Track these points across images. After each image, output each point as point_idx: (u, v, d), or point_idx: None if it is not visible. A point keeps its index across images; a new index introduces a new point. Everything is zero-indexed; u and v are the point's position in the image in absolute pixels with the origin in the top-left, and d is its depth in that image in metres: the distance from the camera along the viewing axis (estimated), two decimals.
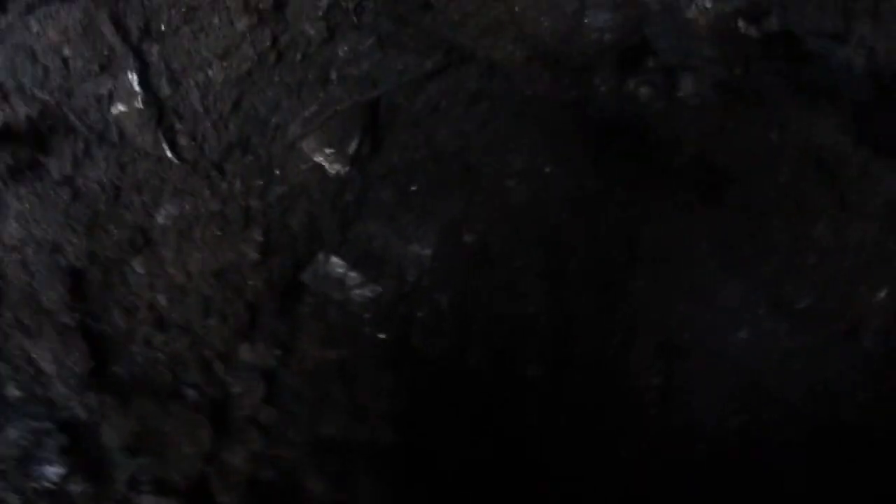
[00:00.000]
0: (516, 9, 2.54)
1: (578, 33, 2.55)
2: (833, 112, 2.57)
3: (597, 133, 2.79)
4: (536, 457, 2.84)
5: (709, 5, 2.30)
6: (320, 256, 3.12)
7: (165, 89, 2.58)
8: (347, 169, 3.01)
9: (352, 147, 2.97)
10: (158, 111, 2.59)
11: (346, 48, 2.78)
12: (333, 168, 2.98)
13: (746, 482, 2.69)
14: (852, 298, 2.57)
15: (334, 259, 3.13)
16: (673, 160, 2.74)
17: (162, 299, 2.84)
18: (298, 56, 2.75)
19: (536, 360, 2.89)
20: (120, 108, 2.52)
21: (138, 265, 2.78)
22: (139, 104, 2.50)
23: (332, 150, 2.94)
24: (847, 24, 2.11)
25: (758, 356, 2.66)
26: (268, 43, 2.65)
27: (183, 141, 2.70)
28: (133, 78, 2.45)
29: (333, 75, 2.83)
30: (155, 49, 2.52)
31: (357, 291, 3.15)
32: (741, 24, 2.32)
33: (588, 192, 2.85)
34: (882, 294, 2.55)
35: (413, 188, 3.08)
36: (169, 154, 2.66)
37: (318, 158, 2.97)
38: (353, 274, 3.13)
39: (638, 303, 2.83)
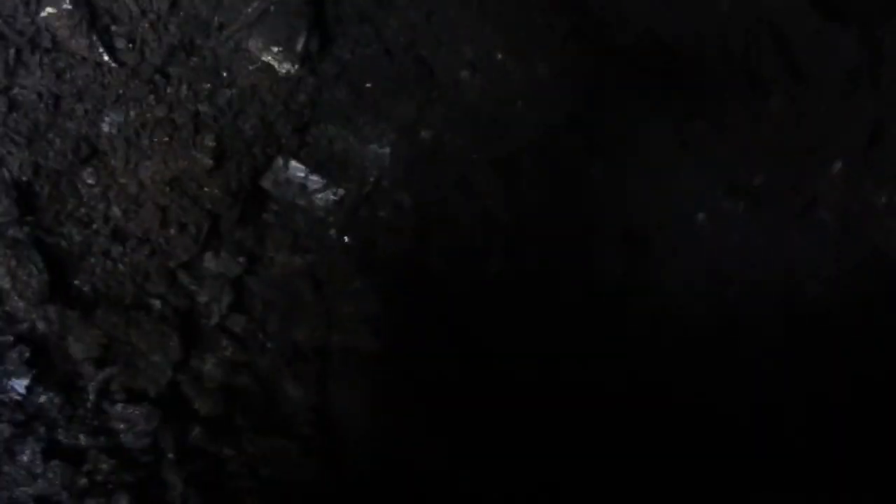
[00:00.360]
0: None
1: None
2: None
3: (542, 16, 2.69)
4: (501, 352, 2.85)
5: None
6: (279, 161, 3.07)
7: None
8: (298, 67, 2.92)
9: (300, 44, 2.88)
10: (90, 13, 2.50)
11: None
12: (283, 67, 2.90)
13: (714, 364, 2.69)
14: (808, 173, 2.50)
15: (294, 163, 3.08)
16: (621, 39, 2.63)
17: (117, 210, 2.81)
18: None
19: (497, 255, 2.86)
20: (48, 9, 2.43)
21: (88, 176, 2.73)
22: (68, 5, 2.41)
23: (279, 49, 2.86)
24: None
25: (718, 238, 2.62)
26: None
27: (120, 44, 2.62)
28: None
29: None
30: None
31: (320, 195, 3.12)
32: None
33: (541, 78, 2.76)
34: (838, 166, 2.48)
35: (368, 86, 2.99)
36: (107, 58, 2.58)
37: (267, 58, 2.89)
38: (314, 178, 3.09)
39: (596, 191, 2.78)
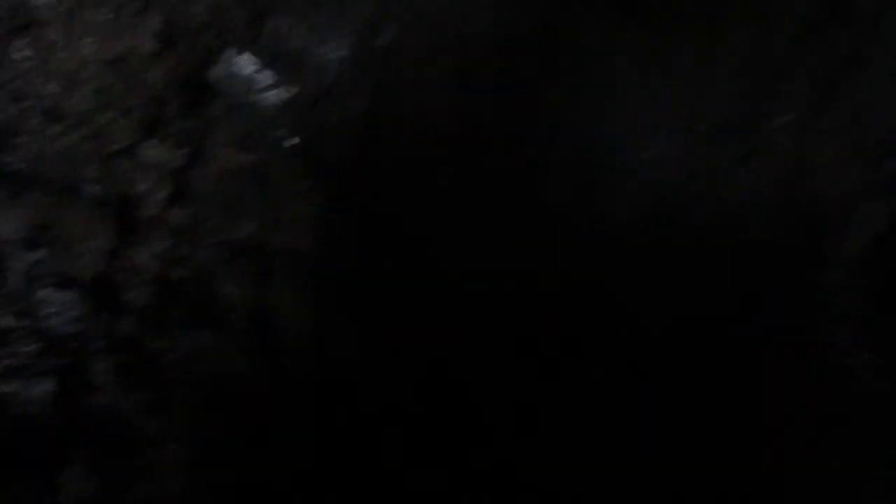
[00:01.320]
0: None
1: None
2: None
3: None
4: (444, 263, 2.90)
5: None
6: (229, 52, 2.96)
7: None
8: None
9: None
10: None
11: None
12: None
13: (655, 295, 2.80)
14: (756, 121, 2.57)
15: (245, 56, 2.97)
16: None
17: (53, 87, 2.70)
18: None
19: (446, 165, 2.87)
20: None
21: (22, 48, 2.60)
22: None
23: None
24: None
25: (665, 175, 2.68)
26: None
27: None
28: None
29: None
30: None
31: (270, 93, 3.04)
32: None
33: None
34: (787, 116, 2.55)
35: None
36: None
37: None
38: (265, 73, 3.00)
39: (552, 114, 2.79)
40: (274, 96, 3.10)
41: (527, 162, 2.78)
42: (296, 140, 3.12)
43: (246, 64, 3.04)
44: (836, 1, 2.58)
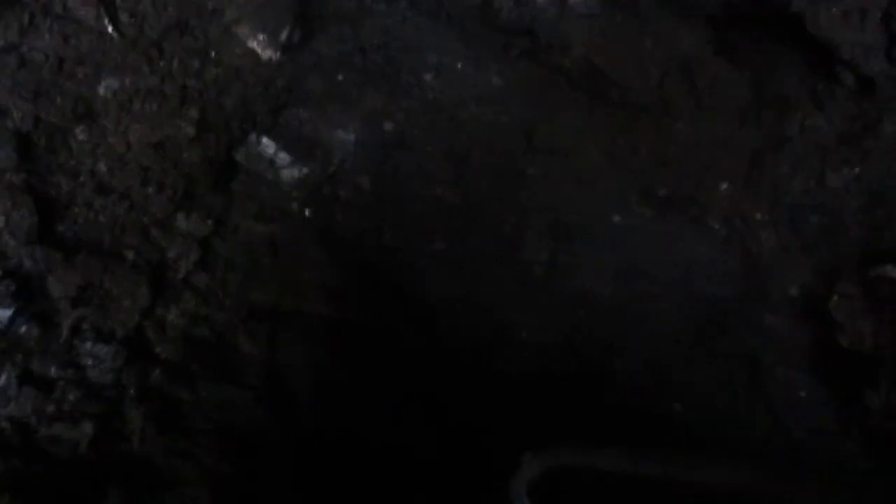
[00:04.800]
0: None
1: None
2: (697, 24, 2.96)
3: (498, 35, 3.13)
4: (442, 321, 3.22)
5: None
6: (253, 136, 3.35)
7: None
8: (279, 56, 3.24)
9: (283, 35, 3.20)
10: None
11: None
12: (266, 54, 3.21)
13: (622, 344, 3.14)
14: (702, 188, 3.02)
15: (266, 140, 3.36)
16: (563, 61, 3.10)
17: (103, 166, 3.06)
18: None
19: (442, 235, 3.25)
20: None
21: (81, 133, 2.99)
22: None
23: (264, 37, 3.17)
24: None
25: (630, 237, 3.10)
26: None
27: (124, 18, 2.89)
28: None
29: None
30: None
31: (286, 171, 3.40)
32: None
33: (493, 88, 3.19)
34: (725, 185, 3.01)
35: (340, 78, 3.33)
36: (110, 29, 2.86)
37: (252, 44, 3.19)
38: (282, 154, 3.37)
39: (532, 188, 3.19)
40: (289, 174, 3.47)
41: (511, 230, 3.18)
42: (308, 213, 3.47)
43: (266, 146, 3.43)
44: (763, 91, 3.09)
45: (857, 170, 2.87)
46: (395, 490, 2.99)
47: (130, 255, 3.12)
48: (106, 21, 2.83)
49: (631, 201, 3.12)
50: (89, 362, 2.97)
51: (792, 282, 2.94)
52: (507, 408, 2.95)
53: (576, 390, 2.96)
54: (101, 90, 2.92)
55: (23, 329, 2.81)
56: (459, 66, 3.18)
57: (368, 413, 3.14)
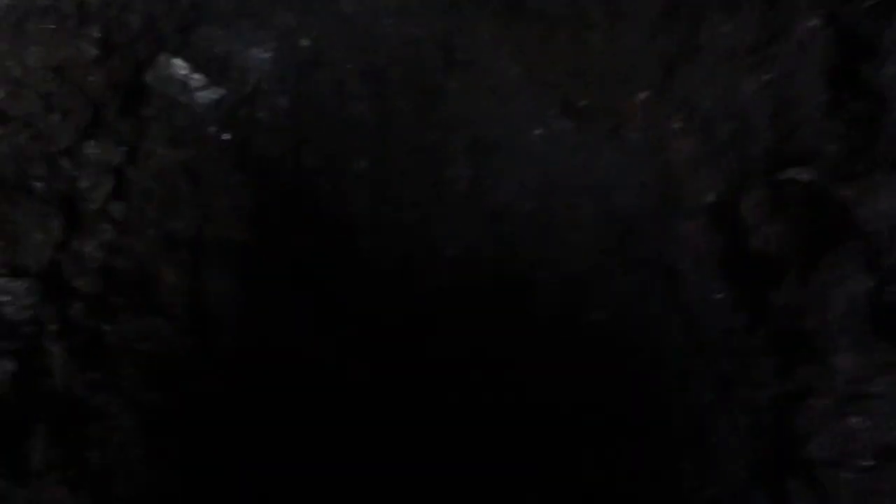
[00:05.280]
0: None
1: None
2: None
3: None
4: (366, 241, 3.23)
5: None
6: (162, 58, 3.22)
7: None
8: None
9: None
10: None
11: None
12: None
13: (545, 257, 3.21)
14: (619, 99, 3.06)
15: (177, 61, 3.23)
16: None
17: (1, 92, 2.90)
18: None
19: (362, 155, 3.22)
20: None
21: None
22: None
23: None
24: None
25: (551, 150, 3.13)
26: None
27: None
28: None
29: None
30: None
31: (201, 93, 3.29)
32: None
33: (410, 2, 3.13)
34: (642, 95, 3.06)
35: None
36: None
37: None
38: (196, 76, 3.26)
39: (451, 104, 3.17)
40: (203, 97, 3.36)
41: (432, 147, 3.17)
42: (227, 136, 3.38)
43: (177, 68, 3.30)
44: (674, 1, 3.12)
45: (766, 77, 2.93)
46: (324, 409, 3.03)
47: (38, 185, 3.00)
48: None
49: (550, 114, 3.13)
50: (4, 299, 2.89)
51: (706, 189, 3.02)
52: (434, 323, 2.99)
53: (501, 304, 3.01)
54: None
55: None
56: None
57: (296, 336, 3.16)
